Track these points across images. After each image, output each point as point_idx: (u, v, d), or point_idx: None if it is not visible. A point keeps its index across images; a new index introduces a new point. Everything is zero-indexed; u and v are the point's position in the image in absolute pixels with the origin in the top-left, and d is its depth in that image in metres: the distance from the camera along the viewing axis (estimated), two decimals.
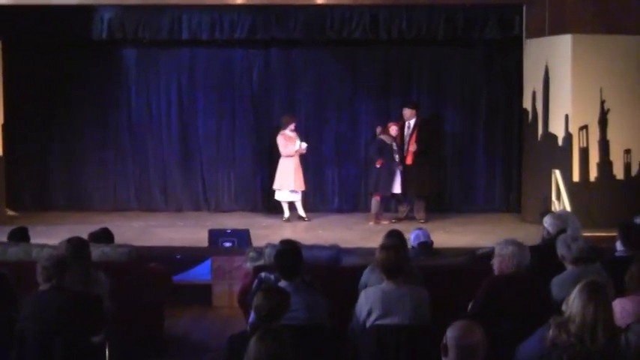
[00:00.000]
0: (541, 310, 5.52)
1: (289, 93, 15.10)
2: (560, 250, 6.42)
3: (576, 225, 7.68)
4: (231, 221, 13.48)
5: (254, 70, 15.09)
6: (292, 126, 13.86)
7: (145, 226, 13.47)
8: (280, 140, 13.84)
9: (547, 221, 7.62)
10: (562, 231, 7.23)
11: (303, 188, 13.97)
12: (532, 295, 6.03)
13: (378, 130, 13.76)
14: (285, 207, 14.00)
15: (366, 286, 6.46)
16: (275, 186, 13.93)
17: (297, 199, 13.98)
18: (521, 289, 6.04)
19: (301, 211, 14.02)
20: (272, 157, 14.69)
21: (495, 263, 6.25)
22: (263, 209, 14.91)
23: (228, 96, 15.13)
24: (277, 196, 14.00)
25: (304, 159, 14.22)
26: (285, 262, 6.14)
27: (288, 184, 13.79)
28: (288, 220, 13.92)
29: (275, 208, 14.61)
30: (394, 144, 13.57)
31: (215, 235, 11.09)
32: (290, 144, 13.78)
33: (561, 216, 7.90)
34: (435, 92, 15.08)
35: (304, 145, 13.85)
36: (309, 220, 13.95)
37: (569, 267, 6.36)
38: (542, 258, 6.68)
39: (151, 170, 15.24)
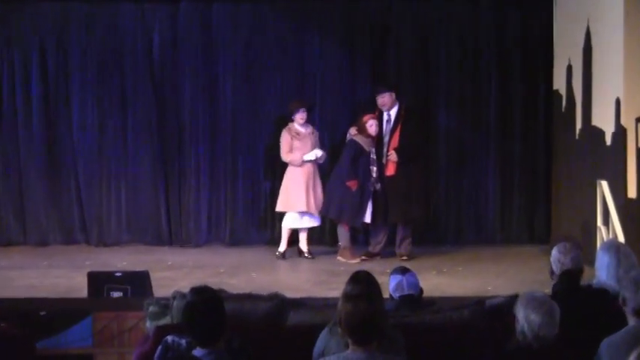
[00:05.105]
0: None
1: (207, 67, 15.13)
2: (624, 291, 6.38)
3: (632, 261, 7.71)
4: (122, 259, 13.50)
5: (154, 32, 15.12)
6: (301, 114, 13.76)
7: None
8: (284, 139, 13.79)
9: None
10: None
11: (316, 210, 13.83)
12: None
13: (352, 131, 13.59)
14: (286, 236, 13.94)
15: (322, 355, 6.44)
16: (278, 207, 13.92)
17: (312, 224, 13.96)
18: None
19: (303, 244, 13.97)
20: (181, 159, 14.73)
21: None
22: (170, 240, 14.96)
23: (117, 72, 15.10)
24: (285, 223, 13.91)
25: (232, 165, 14.26)
26: (200, 320, 6.07)
27: (295, 202, 13.70)
28: (283, 255, 13.91)
29: (188, 238, 14.59)
30: (372, 150, 13.51)
31: (98, 281, 10.99)
32: (297, 144, 13.70)
33: (612, 248, 7.93)
34: (422, 68, 15.19)
35: (320, 153, 13.75)
36: (312, 257, 13.90)
37: (631, 320, 6.35)
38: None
39: (0, 185, 15.15)
